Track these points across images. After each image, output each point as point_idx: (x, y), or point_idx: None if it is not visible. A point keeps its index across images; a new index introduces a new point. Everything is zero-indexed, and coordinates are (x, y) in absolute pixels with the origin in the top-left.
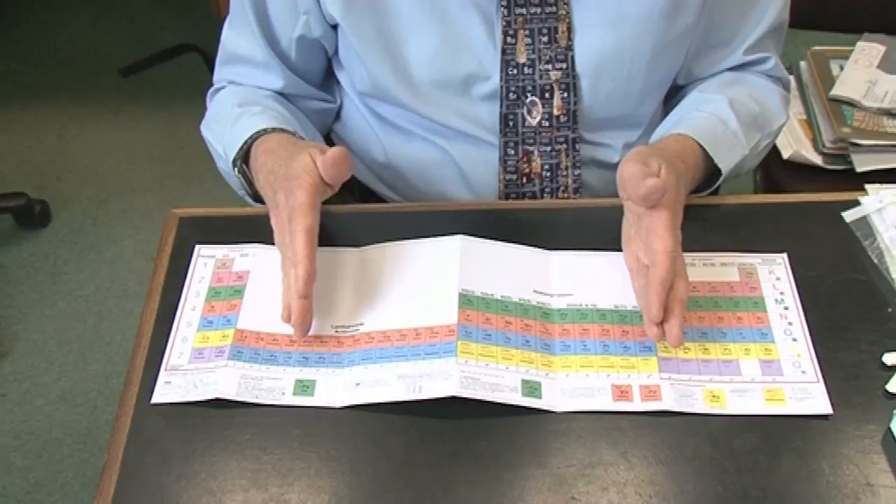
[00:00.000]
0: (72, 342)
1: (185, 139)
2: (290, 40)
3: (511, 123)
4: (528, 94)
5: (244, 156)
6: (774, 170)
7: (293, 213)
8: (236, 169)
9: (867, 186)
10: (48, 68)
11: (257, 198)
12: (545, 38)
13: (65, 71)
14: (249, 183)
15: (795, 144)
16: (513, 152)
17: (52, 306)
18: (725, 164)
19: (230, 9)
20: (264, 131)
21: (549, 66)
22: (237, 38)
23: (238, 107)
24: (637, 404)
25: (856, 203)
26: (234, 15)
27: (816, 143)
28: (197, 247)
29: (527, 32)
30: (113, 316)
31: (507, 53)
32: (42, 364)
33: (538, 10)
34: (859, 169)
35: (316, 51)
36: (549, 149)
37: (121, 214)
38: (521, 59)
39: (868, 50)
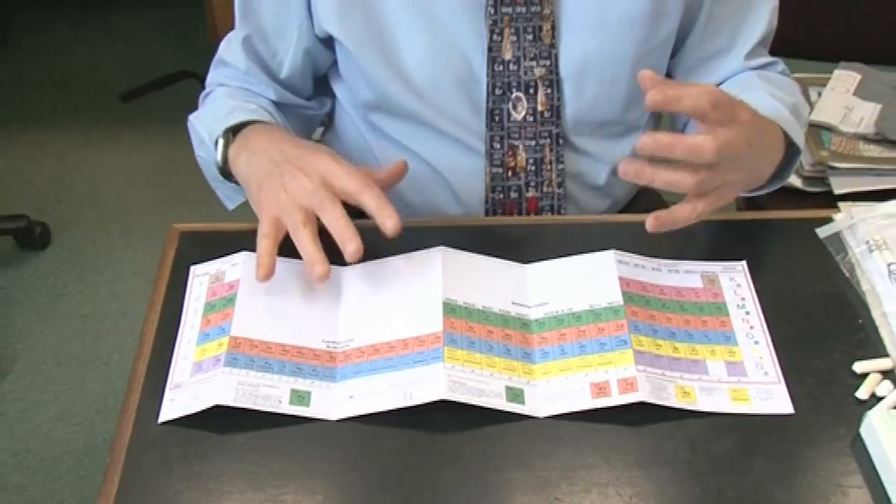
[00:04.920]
0: (70, 361)
1: (183, 163)
2: (295, 53)
3: (497, 118)
4: (514, 90)
5: (231, 134)
6: None
7: (328, 177)
8: (220, 141)
9: (840, 204)
10: (50, 93)
11: (224, 173)
12: (530, 36)
13: (66, 96)
14: (224, 161)
15: None
16: (498, 146)
17: (52, 326)
18: (798, 138)
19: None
20: (259, 121)
21: (534, 63)
22: (227, 43)
23: (230, 98)
24: (615, 398)
25: (829, 220)
26: (236, 20)
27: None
28: (192, 268)
29: (512, 31)
30: (111, 336)
31: (493, 51)
32: (41, 383)
33: (523, 10)
34: (837, 191)
35: (307, 65)
36: (533, 143)
37: (120, 236)
38: (507, 55)
39: (845, 78)
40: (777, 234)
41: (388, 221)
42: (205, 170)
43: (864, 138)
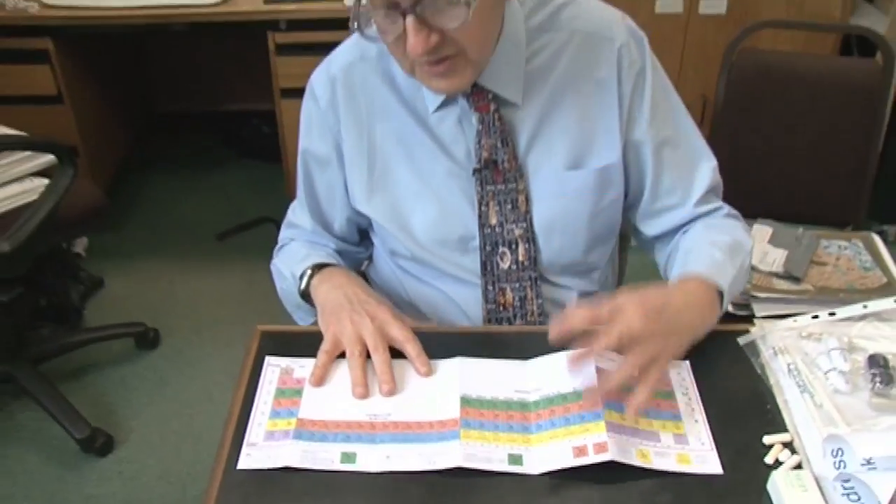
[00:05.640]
0: (170, 435)
1: (261, 287)
2: (341, 218)
3: (489, 268)
4: (500, 247)
5: (316, 269)
6: None
7: (385, 325)
8: (306, 277)
9: (755, 320)
10: (164, 233)
11: (304, 296)
12: (509, 206)
13: (176, 235)
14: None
15: None
16: (491, 289)
17: (158, 408)
18: (723, 281)
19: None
20: (337, 265)
21: (514, 226)
22: (293, 211)
23: (303, 248)
24: (591, 458)
25: (747, 332)
26: (298, 195)
27: None
28: (266, 357)
29: (496, 203)
30: (201, 417)
31: (482, 218)
32: (148, 450)
33: (503, 187)
34: (758, 315)
35: (352, 225)
36: (517, 285)
37: (210, 341)
38: (493, 221)
39: (761, 230)
40: (711, 342)
41: (422, 368)
42: (285, 299)
43: (777, 275)
